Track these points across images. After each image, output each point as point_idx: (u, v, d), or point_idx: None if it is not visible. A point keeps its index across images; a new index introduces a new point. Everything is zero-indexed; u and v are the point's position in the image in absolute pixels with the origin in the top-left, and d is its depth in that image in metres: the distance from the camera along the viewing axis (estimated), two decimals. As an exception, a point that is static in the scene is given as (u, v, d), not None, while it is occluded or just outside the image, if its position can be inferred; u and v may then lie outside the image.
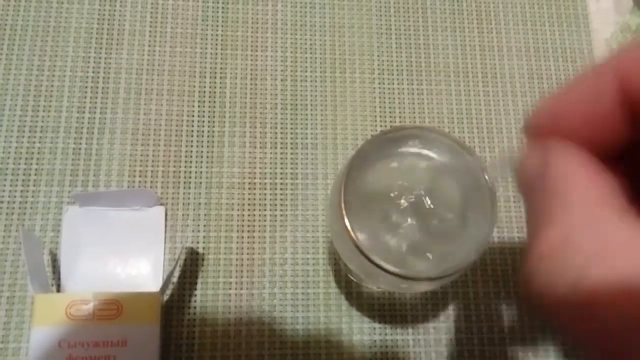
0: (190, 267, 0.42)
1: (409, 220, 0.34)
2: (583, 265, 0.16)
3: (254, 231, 0.44)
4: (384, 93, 0.48)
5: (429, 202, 0.33)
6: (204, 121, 0.46)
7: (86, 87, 0.45)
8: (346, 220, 0.32)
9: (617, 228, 0.17)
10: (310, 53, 0.48)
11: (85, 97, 0.45)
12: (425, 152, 0.35)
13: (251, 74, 0.47)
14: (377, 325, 0.42)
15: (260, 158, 0.45)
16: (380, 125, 0.47)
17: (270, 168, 0.45)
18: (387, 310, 0.43)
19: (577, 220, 0.17)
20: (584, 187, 0.18)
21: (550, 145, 0.19)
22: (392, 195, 0.34)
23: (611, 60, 0.19)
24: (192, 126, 0.45)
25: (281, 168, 0.45)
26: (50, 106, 0.45)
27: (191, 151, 0.45)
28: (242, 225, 0.44)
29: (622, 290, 0.16)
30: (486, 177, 0.32)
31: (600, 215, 0.17)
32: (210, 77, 0.47)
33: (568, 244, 0.17)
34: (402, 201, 0.34)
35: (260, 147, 0.45)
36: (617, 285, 0.16)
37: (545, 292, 0.17)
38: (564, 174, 0.18)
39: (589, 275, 0.16)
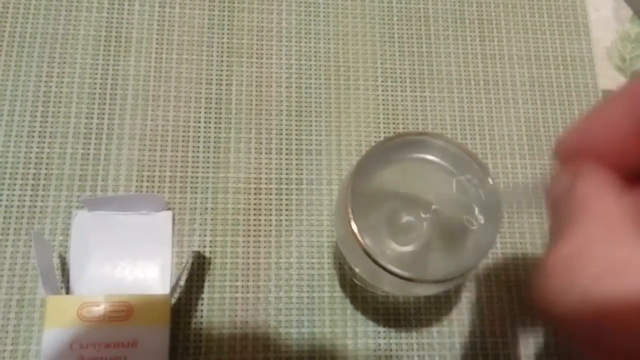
0: (197, 271, 0.43)
1: (414, 224, 0.34)
2: (596, 276, 0.16)
3: (259, 236, 0.44)
4: (388, 100, 0.49)
5: (433, 206, 0.34)
6: (210, 127, 0.46)
7: (94, 93, 0.46)
8: (353, 224, 0.32)
9: (634, 246, 0.17)
10: (315, 60, 0.49)
11: (93, 104, 0.46)
12: (429, 157, 0.35)
13: (256, 81, 0.48)
14: (381, 329, 0.43)
15: (265, 164, 0.46)
16: (384, 132, 0.48)
17: (276, 173, 0.46)
18: (391, 314, 0.43)
19: (595, 233, 0.17)
20: (605, 206, 0.18)
21: (578, 167, 0.20)
22: (397, 200, 0.35)
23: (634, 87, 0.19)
24: (199, 132, 0.46)
25: (286, 174, 0.46)
26: (59, 112, 0.45)
27: (198, 157, 0.45)
28: (248, 230, 0.44)
29: (633, 307, 0.16)
30: (490, 180, 0.33)
31: (618, 232, 0.17)
32: (216, 84, 0.48)
33: (583, 254, 0.17)
34: (407, 206, 0.34)
35: (266, 153, 0.46)
36: (628, 301, 0.16)
37: (555, 301, 0.17)
38: (588, 194, 0.19)
39: (602, 287, 0.16)
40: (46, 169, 0.44)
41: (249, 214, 0.45)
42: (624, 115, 0.19)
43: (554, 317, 0.18)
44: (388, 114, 0.48)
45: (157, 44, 0.48)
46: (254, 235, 0.44)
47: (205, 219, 0.44)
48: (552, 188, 0.21)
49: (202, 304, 0.42)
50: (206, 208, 0.44)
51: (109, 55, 0.47)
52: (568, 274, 0.17)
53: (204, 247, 0.43)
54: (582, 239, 0.18)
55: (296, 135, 0.47)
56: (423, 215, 0.34)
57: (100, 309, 0.37)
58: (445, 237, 0.34)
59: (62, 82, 0.46)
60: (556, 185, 0.21)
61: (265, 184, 0.45)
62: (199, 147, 0.46)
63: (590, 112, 0.20)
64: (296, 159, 0.46)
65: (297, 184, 0.46)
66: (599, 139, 0.20)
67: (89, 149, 0.45)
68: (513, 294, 0.45)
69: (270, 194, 0.45)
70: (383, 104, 0.49)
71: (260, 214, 0.45)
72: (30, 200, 0.43)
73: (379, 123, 0.48)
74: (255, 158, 0.46)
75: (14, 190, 0.43)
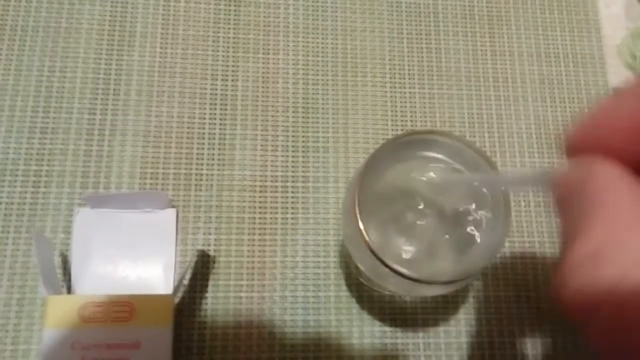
0: (201, 270, 0.42)
1: (422, 224, 0.34)
2: (623, 270, 0.16)
3: (265, 234, 0.43)
4: (395, 97, 0.48)
5: (442, 206, 0.33)
6: (215, 123, 0.46)
7: (97, 88, 0.45)
8: (360, 224, 0.31)
9: None
10: (322, 56, 0.48)
11: (96, 99, 0.45)
12: (438, 156, 0.35)
13: (263, 77, 0.47)
14: (388, 328, 0.42)
15: (271, 161, 0.45)
16: (392, 130, 0.47)
17: (282, 171, 0.45)
18: (398, 314, 0.43)
19: (615, 228, 0.17)
20: (622, 200, 0.18)
21: (589, 161, 0.19)
22: (405, 199, 0.34)
23: None
24: (204, 128, 0.45)
25: (292, 171, 0.45)
26: (61, 107, 0.45)
27: (202, 153, 0.45)
28: (253, 228, 0.43)
29: None
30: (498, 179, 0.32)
31: (638, 226, 0.17)
32: (222, 80, 0.47)
33: (607, 248, 0.17)
34: (415, 205, 0.34)
35: (272, 150, 0.45)
36: None
37: (581, 296, 0.17)
38: (603, 188, 0.19)
39: (629, 279, 0.16)
40: (48, 165, 0.43)
41: (254, 212, 0.44)
42: (636, 107, 0.19)
43: (579, 312, 0.18)
44: (396, 111, 0.48)
45: (161, 38, 0.47)
46: (259, 234, 0.43)
47: (210, 217, 0.43)
48: (562, 182, 0.21)
49: (206, 303, 0.41)
50: (211, 206, 0.44)
51: (112, 49, 0.47)
52: (594, 270, 0.17)
53: (209, 245, 0.43)
54: (603, 234, 0.18)
55: (303, 132, 0.46)
56: (432, 214, 0.34)
57: (102, 310, 0.36)
58: (453, 237, 0.34)
59: (65, 77, 0.45)
60: (567, 179, 0.20)
61: (271, 181, 0.45)
62: (203, 143, 0.45)
63: (600, 105, 0.20)
64: (302, 157, 0.46)
65: (303, 182, 0.45)
66: (610, 133, 0.20)
67: (91, 145, 0.44)
68: (521, 294, 0.44)
69: (276, 191, 0.44)
70: (391, 101, 0.48)
71: (265, 212, 0.44)
72: (32, 197, 0.42)
73: (386, 120, 0.47)
74: (261, 155, 0.45)
75: (15, 187, 0.42)
